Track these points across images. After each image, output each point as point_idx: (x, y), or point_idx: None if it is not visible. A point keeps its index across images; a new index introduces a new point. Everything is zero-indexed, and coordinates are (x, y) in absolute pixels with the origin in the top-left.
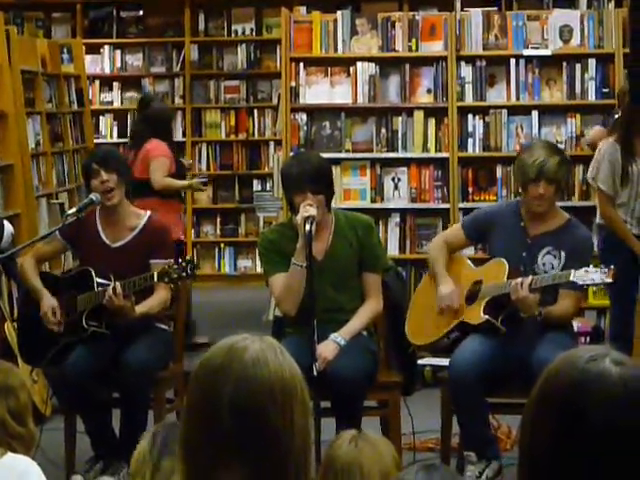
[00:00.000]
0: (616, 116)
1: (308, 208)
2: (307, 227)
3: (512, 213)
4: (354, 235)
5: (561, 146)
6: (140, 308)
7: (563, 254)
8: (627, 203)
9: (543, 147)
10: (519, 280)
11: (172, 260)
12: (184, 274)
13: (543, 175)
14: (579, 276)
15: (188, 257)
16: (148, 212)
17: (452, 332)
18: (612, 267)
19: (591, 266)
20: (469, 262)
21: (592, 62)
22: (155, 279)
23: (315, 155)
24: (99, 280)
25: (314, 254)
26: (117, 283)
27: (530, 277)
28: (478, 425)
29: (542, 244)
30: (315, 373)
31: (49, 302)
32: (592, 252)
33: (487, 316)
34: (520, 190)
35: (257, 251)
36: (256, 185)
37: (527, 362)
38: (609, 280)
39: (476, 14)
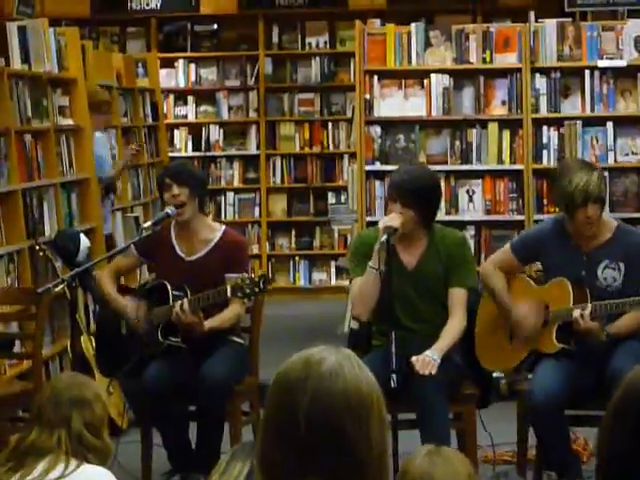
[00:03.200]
0: None
1: (392, 217)
2: (384, 237)
3: (559, 232)
4: (445, 250)
5: (637, 157)
6: (210, 323)
7: (622, 265)
8: None
9: (580, 168)
10: (578, 312)
11: (246, 274)
12: (257, 289)
13: (590, 198)
14: None
15: (262, 271)
16: (223, 226)
17: (526, 360)
18: None
19: None
20: (530, 281)
21: None
22: (228, 294)
23: (423, 171)
24: (175, 293)
25: (405, 264)
26: (185, 300)
27: (589, 306)
28: (560, 449)
29: (599, 259)
30: (394, 385)
31: (133, 307)
32: None
33: (561, 344)
34: (564, 214)
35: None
36: (331, 198)
37: (602, 374)
38: None
39: (550, 25)
